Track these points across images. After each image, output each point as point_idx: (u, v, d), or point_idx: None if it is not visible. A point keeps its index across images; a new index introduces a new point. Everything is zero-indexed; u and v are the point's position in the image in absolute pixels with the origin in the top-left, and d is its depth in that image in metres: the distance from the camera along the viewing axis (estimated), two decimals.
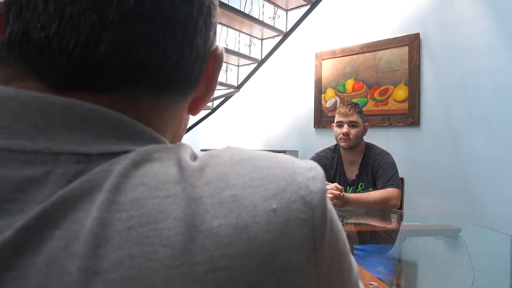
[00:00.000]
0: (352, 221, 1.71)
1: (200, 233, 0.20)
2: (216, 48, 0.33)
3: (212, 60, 0.33)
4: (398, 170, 1.82)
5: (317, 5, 2.40)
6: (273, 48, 2.61)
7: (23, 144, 0.23)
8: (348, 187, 1.89)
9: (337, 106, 2.15)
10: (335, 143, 1.95)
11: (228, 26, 2.62)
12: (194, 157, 0.26)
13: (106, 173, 0.22)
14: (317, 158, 1.96)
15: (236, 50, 2.76)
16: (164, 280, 0.19)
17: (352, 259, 0.27)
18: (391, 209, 1.73)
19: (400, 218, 1.80)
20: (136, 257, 0.19)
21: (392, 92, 2.54)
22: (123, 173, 0.22)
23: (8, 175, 0.22)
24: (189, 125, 3.21)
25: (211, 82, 0.34)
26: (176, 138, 0.35)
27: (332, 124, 1.94)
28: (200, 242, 0.20)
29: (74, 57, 0.25)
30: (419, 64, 2.42)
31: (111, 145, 0.24)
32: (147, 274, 0.19)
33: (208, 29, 0.31)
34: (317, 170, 0.25)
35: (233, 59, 2.83)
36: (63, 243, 0.20)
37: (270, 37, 2.75)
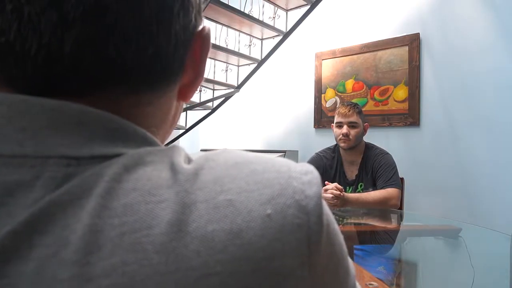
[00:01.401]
0: (352, 221, 1.71)
1: (194, 238, 0.20)
2: (202, 29, 0.31)
3: (198, 42, 0.31)
4: (398, 170, 1.82)
5: (317, 5, 2.40)
6: (273, 48, 2.61)
7: (11, 148, 0.22)
8: (348, 187, 1.89)
9: (337, 106, 2.15)
10: (335, 143, 1.95)
11: (228, 26, 2.62)
12: (189, 159, 0.25)
13: (97, 177, 0.22)
14: (317, 158, 1.96)
15: (236, 50, 2.76)
16: (158, 286, 0.19)
17: (350, 262, 0.27)
18: (391, 209, 1.73)
19: (400, 218, 1.80)
20: (129, 263, 0.19)
21: (392, 92, 2.54)
22: (115, 178, 0.22)
23: None
24: (189, 125, 3.17)
25: (199, 66, 0.32)
26: (168, 130, 0.33)
27: (332, 124, 1.94)
28: (194, 248, 0.20)
29: (38, 62, 0.24)
30: (419, 64, 2.42)
31: (102, 147, 0.24)
32: (140, 281, 0.19)
33: (187, 11, 0.29)
34: (313, 174, 0.24)
35: (233, 59, 2.83)
36: (53, 250, 0.19)
37: (270, 37, 2.75)
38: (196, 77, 0.32)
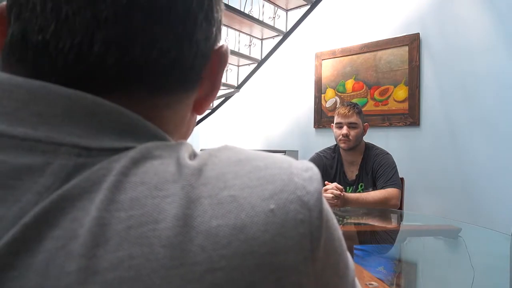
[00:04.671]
0: (352, 221, 1.71)
1: (199, 233, 0.20)
2: (221, 46, 0.33)
3: (216, 58, 0.32)
4: (398, 170, 1.82)
5: (317, 5, 2.40)
6: (273, 48, 2.61)
7: (24, 131, 0.23)
8: (348, 187, 1.89)
9: (337, 106, 2.15)
10: (335, 143, 1.95)
11: (228, 26, 2.62)
12: (194, 155, 0.26)
13: (106, 171, 0.22)
14: (318, 158, 1.96)
15: (236, 50, 2.76)
16: (163, 280, 0.19)
17: (349, 257, 0.27)
18: (391, 209, 1.73)
19: (400, 218, 1.80)
20: (135, 257, 0.19)
21: (392, 92, 2.54)
22: (123, 172, 0.22)
23: (7, 161, 0.22)
24: None
25: (215, 80, 0.33)
26: (180, 138, 0.34)
27: (332, 124, 1.94)
28: (199, 243, 0.20)
29: (69, 59, 0.25)
30: (419, 64, 2.42)
31: (113, 141, 0.24)
32: (146, 275, 0.19)
33: (209, 24, 0.30)
34: (314, 171, 0.25)
35: (233, 59, 2.83)
36: (62, 242, 0.20)
37: (270, 37, 2.75)
38: (211, 90, 0.33)
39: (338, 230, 0.26)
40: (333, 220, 0.25)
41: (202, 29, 0.29)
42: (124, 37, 0.25)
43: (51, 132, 0.23)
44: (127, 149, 0.24)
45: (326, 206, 0.24)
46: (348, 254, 0.27)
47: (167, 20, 0.26)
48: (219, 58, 0.33)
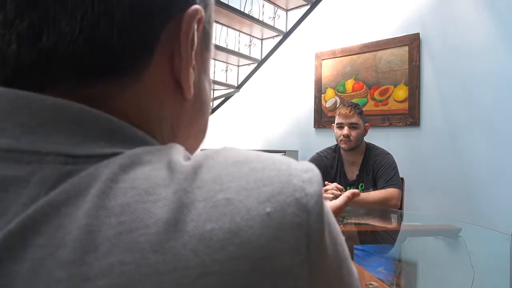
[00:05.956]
0: (353, 221, 1.71)
1: (192, 238, 0.20)
2: (196, 10, 0.28)
3: (188, 22, 0.28)
4: (398, 170, 1.82)
5: (317, 5, 2.40)
6: (273, 48, 2.62)
7: (7, 142, 0.22)
8: (348, 187, 1.88)
9: (337, 106, 2.15)
10: (336, 143, 1.95)
11: (228, 26, 2.62)
12: (188, 157, 0.25)
13: (93, 177, 0.21)
14: (318, 158, 1.96)
15: (236, 50, 2.76)
16: (156, 286, 0.19)
17: (352, 265, 0.26)
18: (391, 209, 1.73)
19: (400, 218, 1.80)
20: (126, 263, 0.19)
21: (392, 92, 2.54)
22: (111, 178, 0.21)
23: None
24: None
25: (180, 48, 0.28)
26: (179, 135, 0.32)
27: (333, 124, 1.94)
28: (192, 247, 0.19)
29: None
30: (419, 64, 2.42)
31: (100, 147, 0.24)
32: (138, 281, 0.18)
33: None
34: (314, 172, 0.24)
35: (233, 59, 2.83)
36: (49, 250, 0.19)
37: (270, 37, 2.75)
38: (180, 61, 0.29)
39: (340, 235, 0.25)
40: (335, 224, 0.24)
41: None
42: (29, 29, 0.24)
43: (36, 142, 0.23)
44: (115, 154, 0.23)
45: (327, 209, 0.23)
46: (352, 262, 0.26)
47: None
48: (188, 23, 0.28)
